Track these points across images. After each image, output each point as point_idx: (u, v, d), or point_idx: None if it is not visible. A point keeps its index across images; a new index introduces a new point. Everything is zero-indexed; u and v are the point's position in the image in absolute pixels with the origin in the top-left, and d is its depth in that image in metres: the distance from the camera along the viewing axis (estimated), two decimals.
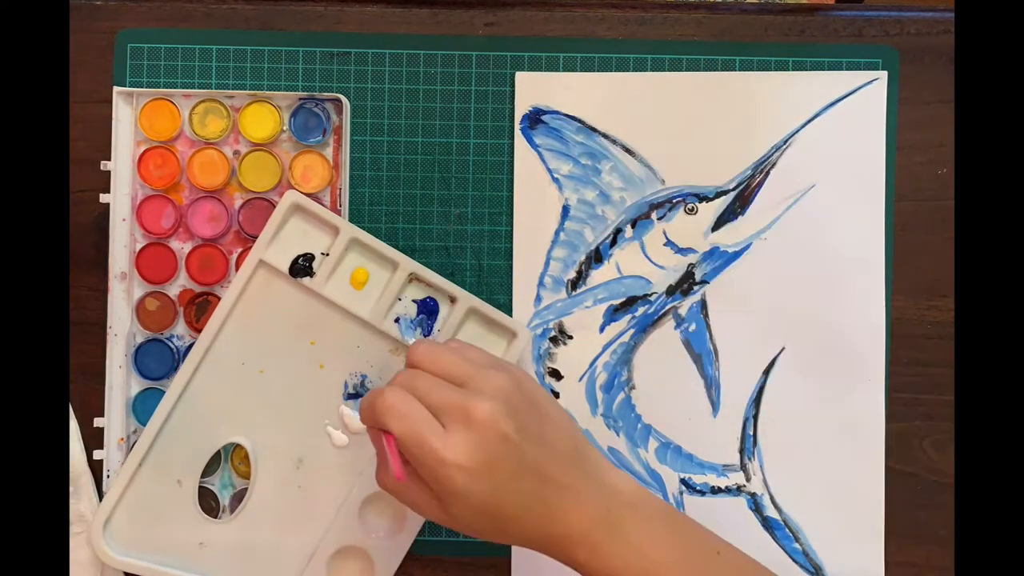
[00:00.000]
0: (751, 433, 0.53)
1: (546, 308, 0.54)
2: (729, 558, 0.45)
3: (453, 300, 0.53)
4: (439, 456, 0.40)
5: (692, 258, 0.54)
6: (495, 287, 0.54)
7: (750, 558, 0.45)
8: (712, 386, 0.53)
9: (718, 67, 0.54)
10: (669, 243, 0.54)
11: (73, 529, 0.53)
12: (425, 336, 0.53)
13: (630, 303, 0.54)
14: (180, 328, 0.54)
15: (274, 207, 0.52)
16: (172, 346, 0.54)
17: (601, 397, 0.54)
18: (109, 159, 0.53)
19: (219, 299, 0.53)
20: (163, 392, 0.53)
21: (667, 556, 0.42)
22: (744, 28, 0.54)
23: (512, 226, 0.54)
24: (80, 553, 0.53)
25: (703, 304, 0.54)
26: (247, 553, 0.53)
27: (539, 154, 0.54)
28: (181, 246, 0.54)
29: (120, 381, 0.53)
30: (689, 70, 0.54)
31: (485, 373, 0.43)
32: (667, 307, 0.54)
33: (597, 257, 0.54)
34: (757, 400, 0.53)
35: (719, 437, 0.53)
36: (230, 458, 0.54)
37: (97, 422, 0.53)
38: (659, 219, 0.54)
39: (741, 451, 0.53)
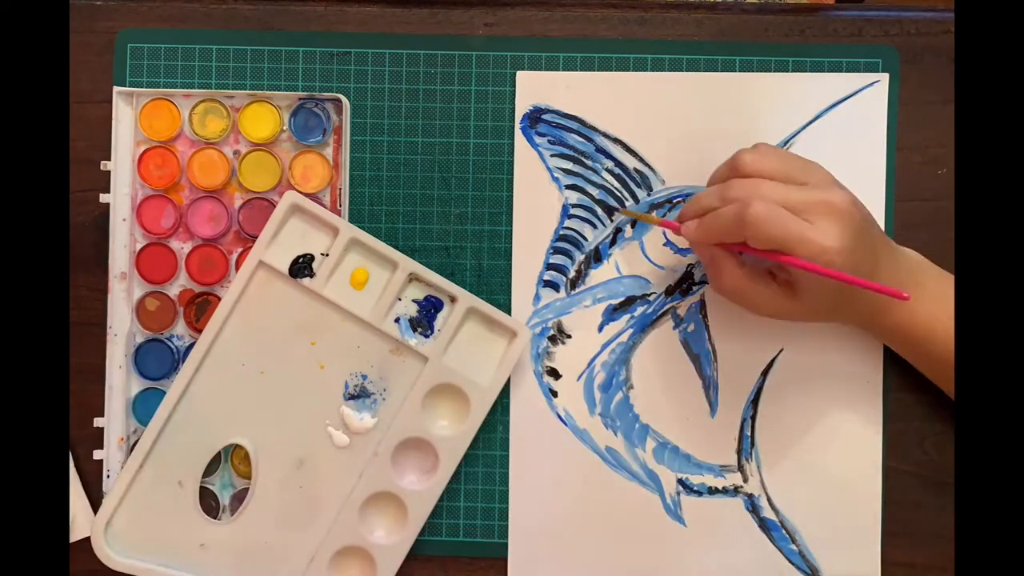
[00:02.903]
0: (749, 434, 0.53)
1: (545, 307, 0.54)
2: None
3: (453, 300, 0.53)
4: (823, 246, 0.44)
5: (691, 258, 0.54)
6: (495, 287, 0.54)
7: None
8: (710, 387, 0.54)
9: (718, 67, 0.54)
10: (669, 243, 0.54)
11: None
12: (425, 339, 0.53)
13: (629, 303, 0.54)
14: (180, 328, 0.54)
15: (274, 207, 0.52)
16: (172, 346, 0.54)
17: (599, 396, 0.54)
18: (109, 159, 0.53)
19: (219, 299, 0.53)
20: (163, 392, 0.53)
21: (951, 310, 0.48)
22: (744, 28, 0.54)
23: (512, 226, 0.54)
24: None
25: (702, 304, 0.54)
26: (248, 554, 0.53)
27: (539, 153, 0.54)
28: (181, 246, 0.54)
29: (120, 381, 0.53)
30: (689, 70, 0.54)
31: (814, 167, 0.48)
32: (666, 307, 0.54)
33: (597, 257, 0.54)
34: (755, 401, 0.53)
35: (717, 438, 0.53)
36: (230, 458, 0.54)
37: (97, 422, 0.53)
38: None
39: (739, 452, 0.53)
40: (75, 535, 0.53)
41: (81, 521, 0.53)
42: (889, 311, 0.48)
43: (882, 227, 0.53)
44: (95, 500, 0.54)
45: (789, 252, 0.44)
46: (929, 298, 0.48)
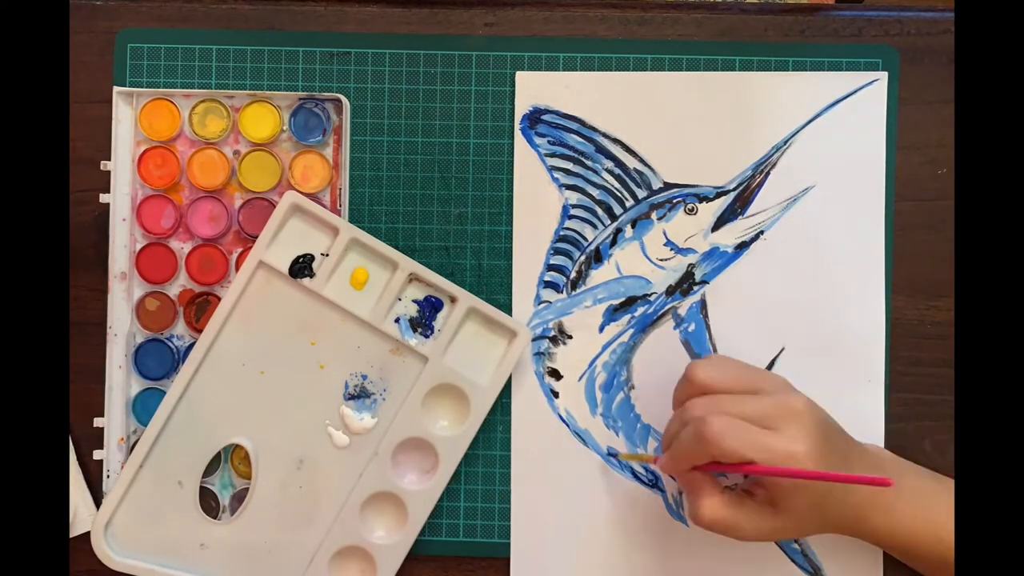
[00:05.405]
0: None
1: (546, 308, 0.54)
2: None
3: (453, 300, 0.53)
4: (790, 452, 0.43)
5: (692, 258, 0.54)
6: (495, 287, 0.54)
7: None
8: None
9: (718, 67, 0.54)
10: (669, 243, 0.54)
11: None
12: (425, 339, 0.53)
13: (630, 303, 0.54)
14: (180, 328, 0.54)
15: (274, 207, 0.52)
16: (172, 346, 0.54)
17: (600, 397, 0.54)
18: (109, 159, 0.53)
19: (219, 299, 0.53)
20: (163, 392, 0.53)
21: (938, 504, 0.47)
22: (744, 28, 0.54)
23: (512, 226, 0.54)
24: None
25: (703, 304, 0.54)
26: (248, 554, 0.53)
27: (539, 154, 0.54)
28: (181, 246, 0.54)
29: (120, 381, 0.53)
30: (689, 70, 0.54)
31: (767, 374, 0.49)
32: (667, 307, 0.54)
33: (597, 257, 0.54)
34: None
35: None
36: (230, 458, 0.54)
37: (97, 422, 0.53)
38: (659, 219, 0.54)
39: None
40: (78, 529, 0.53)
41: (83, 516, 0.53)
42: (872, 513, 0.46)
43: (881, 227, 0.53)
44: (95, 500, 0.54)
45: (756, 463, 0.43)
46: (907, 493, 0.47)
